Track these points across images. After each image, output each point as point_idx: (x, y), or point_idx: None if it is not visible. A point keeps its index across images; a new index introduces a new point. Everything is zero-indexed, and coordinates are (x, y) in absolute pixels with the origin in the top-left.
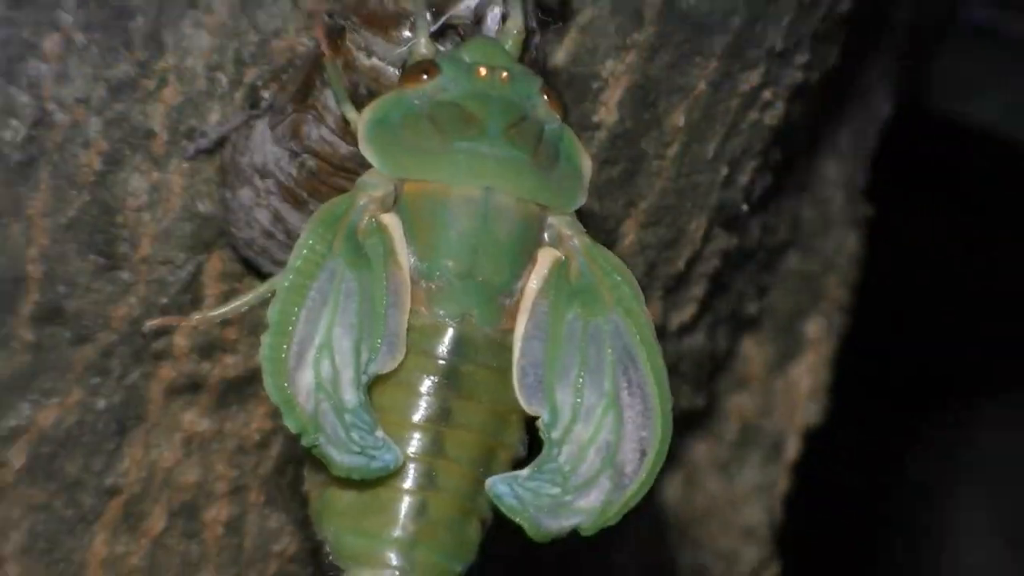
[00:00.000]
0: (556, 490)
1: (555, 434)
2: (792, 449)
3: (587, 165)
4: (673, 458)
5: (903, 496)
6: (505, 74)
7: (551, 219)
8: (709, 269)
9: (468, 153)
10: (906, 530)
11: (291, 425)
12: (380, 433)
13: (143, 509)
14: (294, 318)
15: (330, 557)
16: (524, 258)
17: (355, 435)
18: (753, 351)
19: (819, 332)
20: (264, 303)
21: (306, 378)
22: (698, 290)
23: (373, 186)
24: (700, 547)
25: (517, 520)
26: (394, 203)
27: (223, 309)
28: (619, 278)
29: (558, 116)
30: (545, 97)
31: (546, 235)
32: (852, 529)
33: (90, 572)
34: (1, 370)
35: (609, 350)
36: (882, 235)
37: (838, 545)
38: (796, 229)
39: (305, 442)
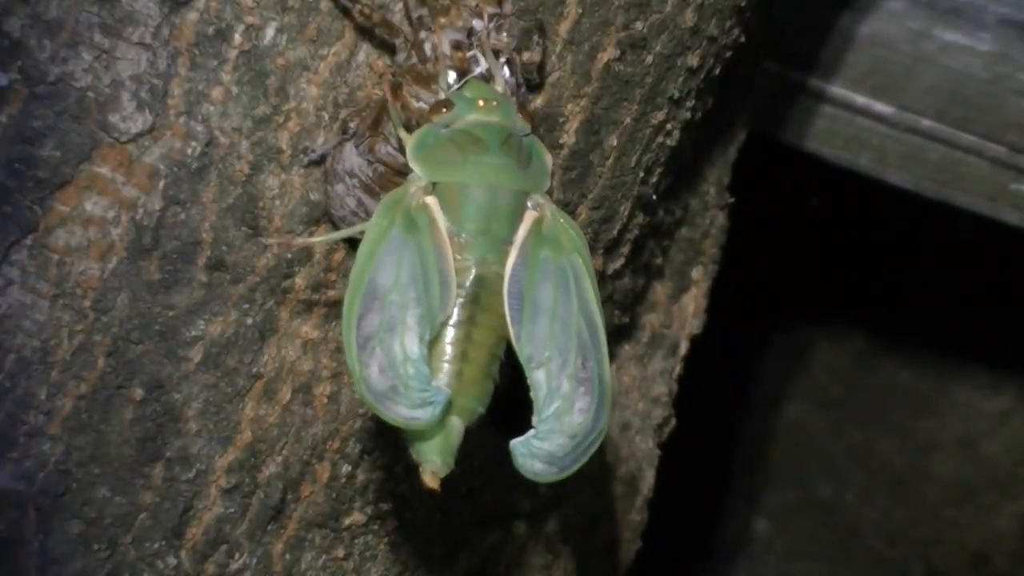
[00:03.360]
0: (565, 440)
1: (540, 351)
2: (683, 347)
3: (549, 160)
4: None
5: (750, 373)
6: (495, 103)
7: (532, 195)
8: (632, 236)
9: (478, 163)
10: (752, 391)
11: (349, 362)
12: (434, 381)
13: (276, 387)
14: (367, 273)
15: None
16: (517, 218)
17: (414, 385)
18: (659, 287)
19: (700, 276)
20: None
21: (371, 322)
22: (625, 249)
23: (418, 179)
24: (624, 409)
25: (529, 477)
26: (432, 189)
27: (317, 239)
28: (573, 233)
29: (529, 127)
30: (519, 114)
31: (529, 203)
32: (719, 393)
33: (243, 427)
34: (187, 300)
35: (571, 279)
36: (738, 213)
37: (711, 403)
38: (685, 211)
39: (357, 392)
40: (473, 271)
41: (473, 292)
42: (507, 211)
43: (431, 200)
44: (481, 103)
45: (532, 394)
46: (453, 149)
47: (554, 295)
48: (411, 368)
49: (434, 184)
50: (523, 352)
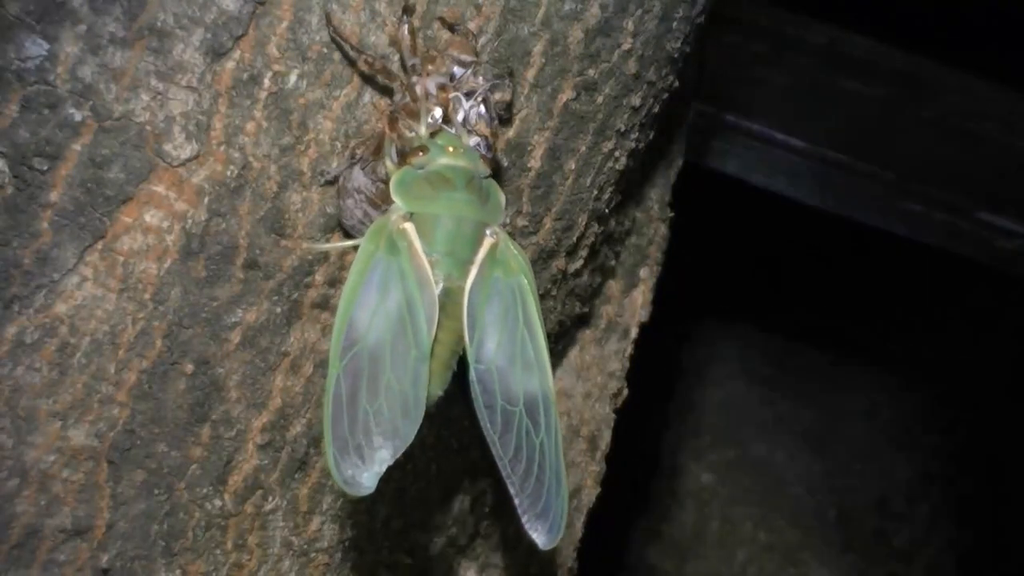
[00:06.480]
0: (545, 483)
1: (487, 354)
2: (633, 332)
3: (503, 199)
4: (572, 339)
5: (699, 357)
6: (461, 150)
7: (489, 225)
8: (588, 242)
9: (447, 198)
10: (701, 371)
11: (331, 356)
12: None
13: (300, 363)
14: (358, 292)
15: None
16: (477, 243)
17: (377, 436)
18: (613, 284)
19: (647, 275)
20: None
21: (357, 332)
22: (583, 253)
23: (399, 209)
24: (587, 382)
25: (555, 533)
26: (410, 217)
27: (327, 246)
28: (520, 258)
29: (488, 171)
30: (481, 161)
31: (487, 232)
32: (676, 373)
33: (273, 396)
34: (227, 293)
35: (518, 297)
36: (677, 225)
37: (670, 381)
38: (634, 223)
39: (327, 384)
40: (441, 284)
41: (440, 301)
42: (469, 237)
43: (408, 226)
44: (451, 150)
45: (474, 392)
46: (427, 186)
47: (502, 308)
48: (388, 398)
49: (411, 214)
50: (472, 352)
